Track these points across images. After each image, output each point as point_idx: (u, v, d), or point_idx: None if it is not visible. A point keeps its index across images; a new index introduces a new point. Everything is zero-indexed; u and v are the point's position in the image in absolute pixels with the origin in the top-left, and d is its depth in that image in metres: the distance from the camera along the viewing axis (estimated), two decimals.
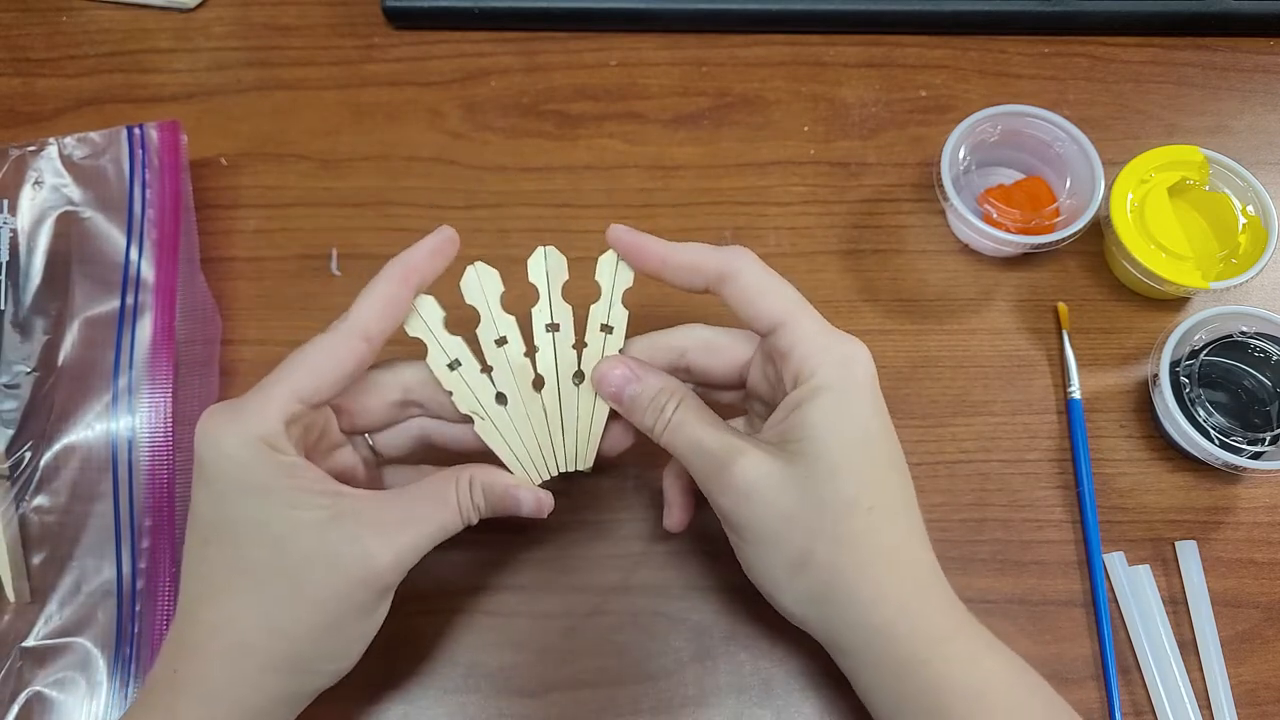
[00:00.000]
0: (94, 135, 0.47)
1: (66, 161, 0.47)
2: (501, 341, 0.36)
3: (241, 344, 0.46)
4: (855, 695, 0.35)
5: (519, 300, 0.36)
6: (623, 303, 0.36)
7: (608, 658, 0.40)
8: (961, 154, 0.47)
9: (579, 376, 0.36)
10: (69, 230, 0.45)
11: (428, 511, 0.34)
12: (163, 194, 0.46)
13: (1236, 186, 0.45)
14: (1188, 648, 0.40)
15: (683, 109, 0.52)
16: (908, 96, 0.52)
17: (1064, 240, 0.44)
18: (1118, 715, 0.39)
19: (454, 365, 0.35)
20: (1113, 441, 0.44)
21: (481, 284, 0.36)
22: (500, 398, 0.36)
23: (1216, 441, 0.40)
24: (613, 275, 0.36)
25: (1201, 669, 0.40)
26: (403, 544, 0.32)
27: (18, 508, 0.41)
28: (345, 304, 0.33)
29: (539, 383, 0.36)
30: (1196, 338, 0.42)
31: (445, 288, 0.36)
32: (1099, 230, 0.46)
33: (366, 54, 0.53)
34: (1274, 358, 0.42)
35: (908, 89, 0.52)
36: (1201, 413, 0.41)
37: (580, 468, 0.37)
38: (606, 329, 0.36)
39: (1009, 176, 0.49)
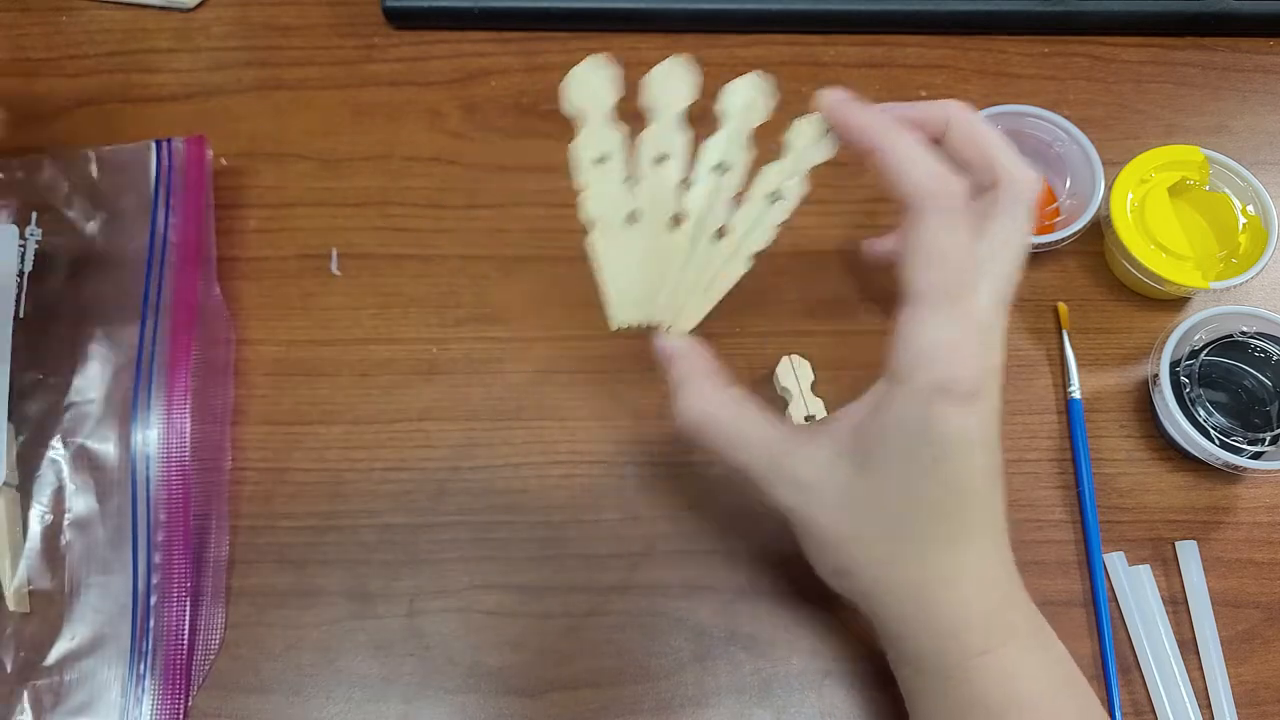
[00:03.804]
0: (122, 147, 0.47)
1: (93, 172, 0.46)
2: (662, 159, 0.31)
3: (242, 343, 0.46)
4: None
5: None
6: (808, 176, 0.31)
7: (608, 658, 0.40)
8: None
9: (721, 233, 0.32)
10: (91, 240, 0.45)
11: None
12: (186, 208, 0.46)
13: (1236, 186, 0.45)
14: (1188, 648, 0.40)
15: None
16: (908, 96, 0.52)
17: (1064, 240, 0.44)
18: (1118, 715, 0.39)
19: (601, 159, 0.31)
20: (1113, 441, 0.44)
21: (666, 82, 0.30)
22: (631, 217, 0.32)
23: (1216, 441, 0.40)
24: (809, 143, 0.31)
25: (1201, 669, 0.40)
26: None
27: (26, 517, 0.41)
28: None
29: (678, 220, 0.32)
30: (1196, 338, 0.42)
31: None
32: (1099, 230, 0.46)
33: (366, 54, 0.53)
34: (1274, 358, 0.42)
35: (908, 89, 0.52)
36: (1201, 413, 0.41)
37: (679, 327, 0.33)
38: (776, 196, 0.32)
39: None
